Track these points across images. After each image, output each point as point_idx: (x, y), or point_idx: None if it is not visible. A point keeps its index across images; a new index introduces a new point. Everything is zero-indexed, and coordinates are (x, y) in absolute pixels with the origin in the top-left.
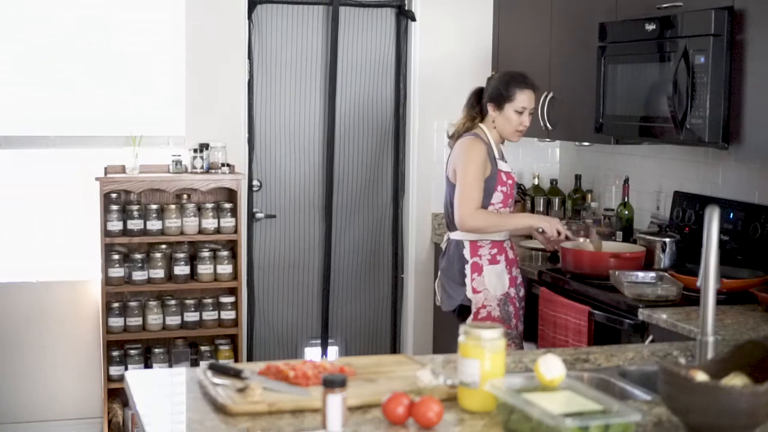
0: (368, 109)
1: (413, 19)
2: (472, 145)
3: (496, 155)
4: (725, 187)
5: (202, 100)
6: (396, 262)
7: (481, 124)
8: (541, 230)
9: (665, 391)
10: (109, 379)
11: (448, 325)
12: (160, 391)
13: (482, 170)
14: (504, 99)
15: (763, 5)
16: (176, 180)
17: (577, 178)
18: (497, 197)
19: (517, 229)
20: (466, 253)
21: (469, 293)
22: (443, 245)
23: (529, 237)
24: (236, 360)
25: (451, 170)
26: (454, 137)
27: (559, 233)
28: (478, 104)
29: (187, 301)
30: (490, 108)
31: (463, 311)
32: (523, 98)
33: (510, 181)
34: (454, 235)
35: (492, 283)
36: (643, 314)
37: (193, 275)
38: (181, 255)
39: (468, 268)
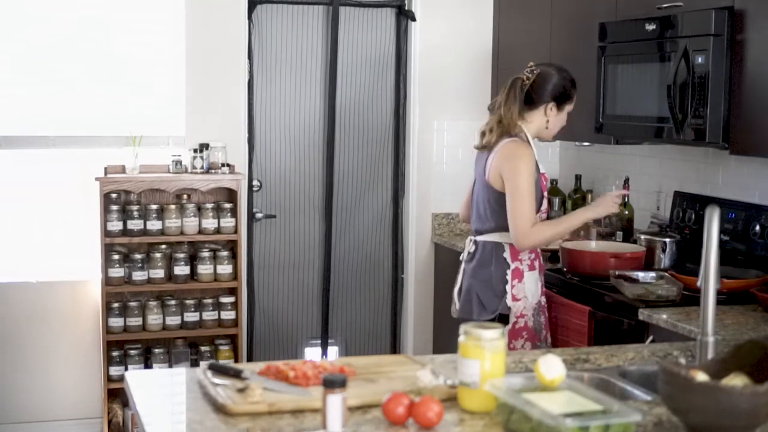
0: (368, 109)
1: (413, 19)
2: (523, 151)
3: (536, 157)
4: (725, 187)
5: (202, 100)
6: (396, 262)
7: (521, 123)
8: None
9: (665, 391)
10: (109, 379)
11: (448, 325)
12: (160, 391)
13: (533, 180)
14: (568, 99)
15: (763, 5)
16: (176, 180)
17: (577, 178)
18: (544, 204)
19: (578, 226)
20: (507, 256)
21: (509, 301)
22: (468, 249)
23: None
24: (236, 360)
25: (495, 176)
26: (492, 140)
27: (616, 207)
28: (523, 98)
29: (187, 301)
30: (549, 107)
31: (500, 321)
32: (574, 101)
33: (546, 183)
34: (491, 237)
35: (531, 290)
36: (643, 314)
37: (193, 275)
38: (181, 255)
39: (510, 273)
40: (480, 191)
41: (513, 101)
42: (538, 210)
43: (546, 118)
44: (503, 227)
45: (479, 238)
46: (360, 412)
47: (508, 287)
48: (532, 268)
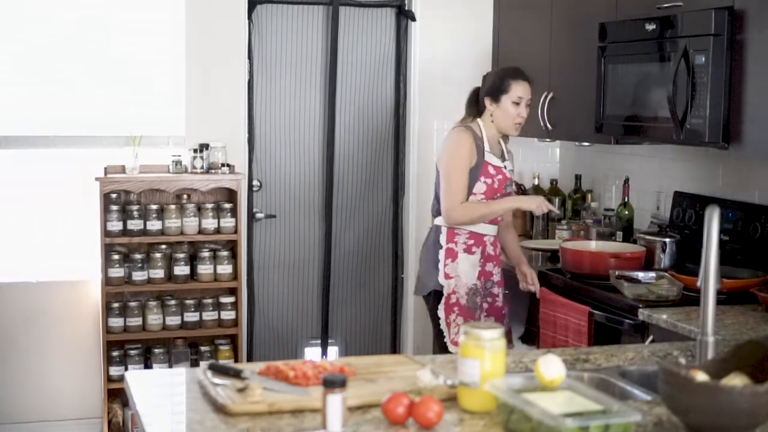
0: (368, 109)
1: (413, 19)
2: (458, 136)
3: (487, 148)
4: (725, 187)
5: (202, 100)
6: (396, 262)
7: (478, 119)
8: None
9: (665, 391)
10: (109, 379)
11: None
12: (160, 392)
13: (466, 161)
14: (500, 91)
15: (763, 5)
16: (176, 180)
17: (577, 178)
18: (480, 187)
19: (505, 212)
20: (442, 238)
21: (441, 279)
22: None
23: (530, 237)
24: (236, 360)
25: (438, 159)
26: None
27: (544, 209)
28: (476, 102)
29: (187, 301)
30: (487, 102)
31: (438, 297)
32: (519, 89)
33: (499, 176)
34: (436, 221)
35: (465, 271)
36: (643, 314)
37: (193, 275)
38: (181, 255)
39: (442, 253)
40: (436, 179)
41: (466, 105)
42: (472, 192)
43: (489, 113)
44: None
45: (434, 221)
46: (360, 412)
47: (440, 265)
48: (469, 251)
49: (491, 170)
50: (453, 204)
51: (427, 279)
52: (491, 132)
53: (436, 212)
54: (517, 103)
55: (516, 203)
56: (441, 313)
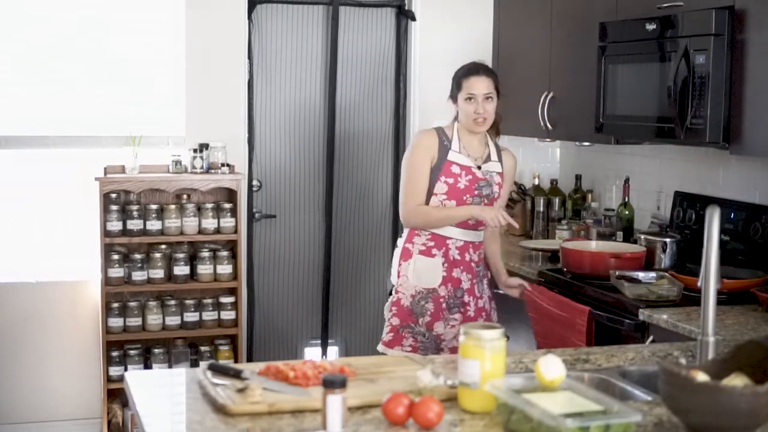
0: (368, 109)
1: (413, 19)
2: (418, 137)
3: (454, 147)
4: (726, 187)
5: (202, 100)
6: None
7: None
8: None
9: (666, 391)
10: (109, 379)
11: None
12: (160, 392)
13: (423, 161)
14: (455, 91)
15: (763, 5)
16: (176, 180)
17: (578, 178)
18: (440, 188)
19: (462, 219)
20: (401, 239)
21: (393, 278)
22: None
23: (530, 237)
24: (236, 360)
25: None
26: None
27: (501, 221)
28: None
29: (187, 302)
30: (451, 104)
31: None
32: (468, 85)
33: (468, 177)
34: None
35: (417, 272)
36: (643, 314)
37: (192, 275)
38: (181, 255)
39: (398, 252)
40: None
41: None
42: (433, 193)
43: (456, 113)
44: None
45: None
46: (360, 412)
47: (395, 262)
48: (426, 253)
49: (455, 169)
50: (408, 206)
51: (391, 277)
52: (462, 132)
53: None
54: (471, 99)
55: (472, 212)
56: (386, 311)
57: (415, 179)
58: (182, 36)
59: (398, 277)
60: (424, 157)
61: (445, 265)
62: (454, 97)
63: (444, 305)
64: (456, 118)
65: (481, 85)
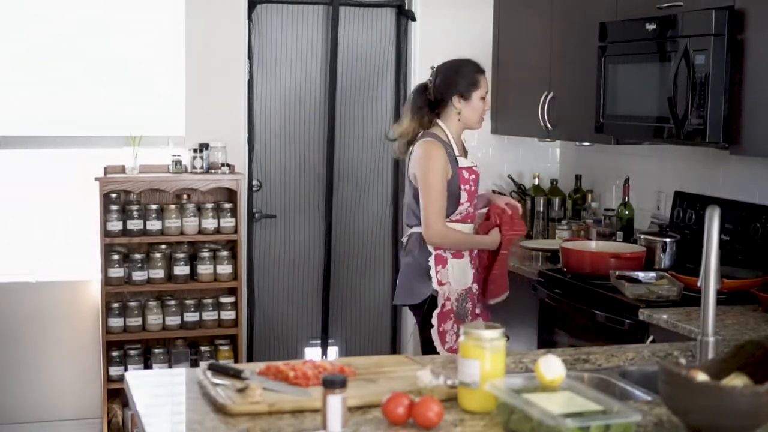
0: (368, 108)
1: (413, 19)
2: (432, 152)
3: (456, 153)
4: (726, 187)
5: (202, 100)
6: (396, 262)
7: (439, 122)
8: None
9: (666, 391)
10: (109, 379)
11: None
12: (160, 392)
13: (444, 177)
14: (471, 88)
15: (763, 5)
16: (176, 180)
17: (578, 178)
18: (463, 197)
19: (483, 247)
20: (430, 245)
21: (435, 285)
22: (404, 240)
23: (530, 237)
24: (236, 360)
25: (413, 174)
26: (404, 142)
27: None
28: (428, 103)
29: (187, 302)
30: (455, 100)
31: (432, 305)
32: (485, 83)
33: (473, 176)
34: (417, 229)
35: (455, 277)
36: (643, 314)
37: (192, 275)
38: (181, 255)
39: (432, 260)
40: (407, 188)
41: (412, 109)
42: (457, 204)
43: (457, 111)
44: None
45: (414, 229)
46: (360, 412)
47: (432, 272)
48: (457, 255)
49: (465, 174)
50: (437, 228)
51: (419, 287)
52: (455, 131)
53: (412, 223)
54: (484, 98)
55: (486, 243)
56: (435, 320)
57: (439, 198)
58: (182, 36)
59: (440, 284)
60: (442, 174)
61: (472, 262)
62: (467, 93)
63: (476, 300)
64: (429, 120)
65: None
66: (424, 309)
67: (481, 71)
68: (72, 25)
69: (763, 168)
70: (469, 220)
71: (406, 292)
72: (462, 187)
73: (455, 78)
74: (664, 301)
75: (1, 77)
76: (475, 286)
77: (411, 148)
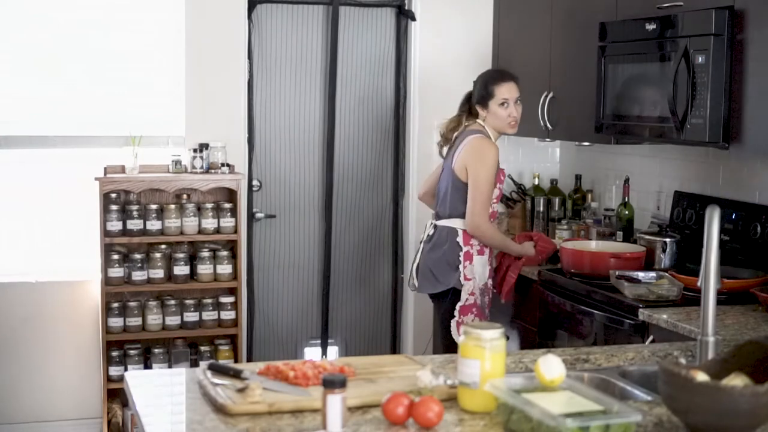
0: (368, 108)
1: (413, 19)
2: (488, 149)
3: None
4: (726, 187)
5: (202, 100)
6: (396, 262)
7: (479, 122)
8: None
9: (665, 391)
10: (109, 379)
11: None
12: (160, 392)
13: (494, 173)
14: (486, 97)
15: (763, 5)
16: (176, 180)
17: (578, 178)
18: (495, 193)
19: (514, 252)
20: (460, 240)
21: (462, 279)
22: (428, 231)
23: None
24: (236, 360)
25: (460, 167)
26: (448, 138)
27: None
28: (467, 106)
29: (187, 301)
30: (479, 109)
31: (454, 296)
32: (502, 91)
33: (502, 178)
34: (448, 222)
35: (479, 272)
36: (643, 314)
37: (192, 275)
38: (181, 255)
39: (462, 255)
40: (445, 179)
41: (459, 108)
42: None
43: (483, 118)
44: (459, 214)
45: (438, 222)
46: (360, 412)
47: (461, 267)
48: (481, 252)
49: (501, 175)
50: (485, 221)
51: (443, 277)
52: (494, 134)
53: (450, 214)
54: (504, 104)
55: (526, 251)
56: (456, 312)
57: (489, 191)
58: (182, 36)
59: (466, 279)
60: (494, 169)
61: (490, 258)
62: (483, 103)
63: (491, 295)
64: (478, 121)
65: (512, 90)
66: (447, 299)
67: (498, 80)
68: (72, 25)
69: (763, 168)
70: (492, 219)
71: (429, 282)
72: (498, 185)
73: (475, 88)
74: (664, 301)
75: (1, 77)
76: (489, 282)
77: (454, 142)
